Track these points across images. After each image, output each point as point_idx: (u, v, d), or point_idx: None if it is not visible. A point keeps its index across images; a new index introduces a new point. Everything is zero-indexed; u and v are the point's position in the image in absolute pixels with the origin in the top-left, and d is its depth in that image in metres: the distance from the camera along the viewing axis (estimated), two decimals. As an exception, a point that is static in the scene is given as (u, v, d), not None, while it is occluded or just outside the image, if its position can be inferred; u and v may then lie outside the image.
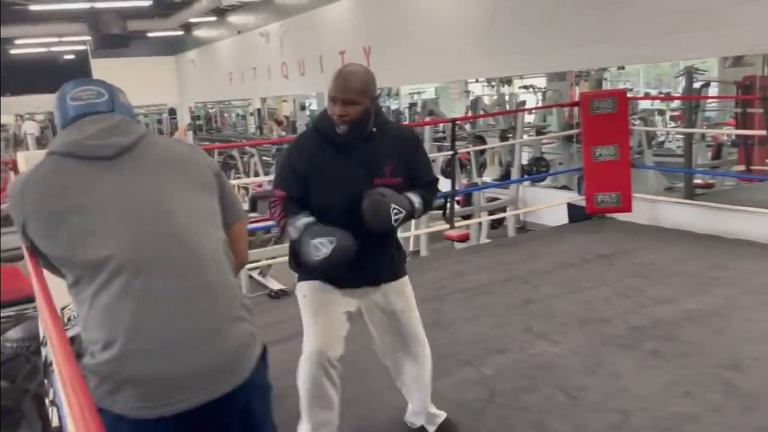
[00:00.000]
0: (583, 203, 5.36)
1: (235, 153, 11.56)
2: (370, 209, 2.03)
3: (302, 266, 2.15)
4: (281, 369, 2.86)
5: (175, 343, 1.30)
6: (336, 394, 2.19)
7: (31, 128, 17.74)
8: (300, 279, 2.23)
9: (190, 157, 1.49)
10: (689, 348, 3.00)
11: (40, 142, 17.13)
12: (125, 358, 1.27)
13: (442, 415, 2.43)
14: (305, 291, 2.20)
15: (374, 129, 2.10)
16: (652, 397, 2.60)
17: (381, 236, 2.14)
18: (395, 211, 2.05)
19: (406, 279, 2.31)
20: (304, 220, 2.06)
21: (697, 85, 7.01)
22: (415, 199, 2.14)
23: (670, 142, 9.97)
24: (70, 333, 3.29)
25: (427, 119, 8.59)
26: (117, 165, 1.37)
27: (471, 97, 11.34)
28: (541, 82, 11.57)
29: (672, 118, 10.99)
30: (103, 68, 20.06)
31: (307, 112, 17.13)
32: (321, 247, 1.98)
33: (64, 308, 3.14)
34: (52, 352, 1.02)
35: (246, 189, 8.98)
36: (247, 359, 1.40)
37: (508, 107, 10.02)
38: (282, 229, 2.14)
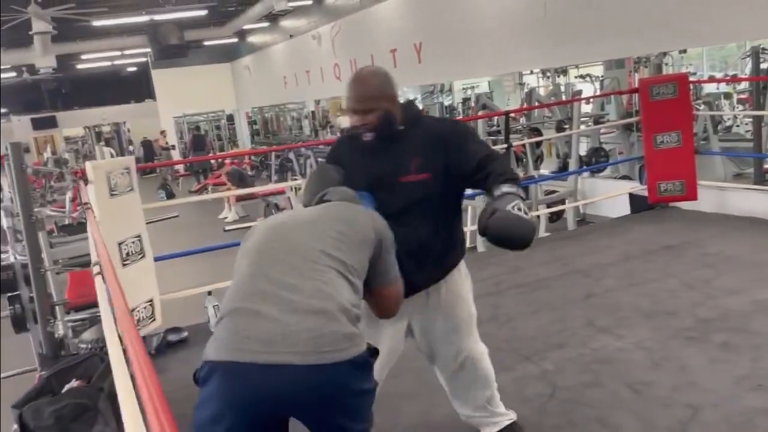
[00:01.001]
0: (645, 193, 5.20)
1: (291, 155, 11.76)
2: (502, 236, 1.83)
3: None
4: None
5: (270, 306, 1.49)
6: None
7: (107, 154, 18.37)
8: None
9: (360, 220, 1.78)
10: (762, 340, 2.88)
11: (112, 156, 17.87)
12: (229, 312, 1.52)
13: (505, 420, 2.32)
14: None
15: (401, 127, 2.02)
16: (722, 391, 2.50)
17: (419, 240, 1.99)
18: (513, 206, 1.80)
19: (452, 277, 2.14)
20: None
21: (764, 65, 6.69)
22: (503, 188, 1.86)
23: (738, 126, 9.53)
24: (140, 333, 3.43)
25: (480, 113, 8.51)
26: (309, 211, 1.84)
27: (525, 89, 11.16)
28: (598, 70, 11.26)
29: (740, 101, 10.50)
30: (163, 78, 20.82)
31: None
32: None
33: (133, 309, 3.28)
34: (128, 347, 1.08)
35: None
36: (337, 348, 1.44)
37: (564, 98, 9.81)
38: None
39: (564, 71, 11.30)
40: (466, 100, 13.15)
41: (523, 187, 6.59)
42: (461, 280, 2.19)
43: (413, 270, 1.97)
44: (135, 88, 24.63)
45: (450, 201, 2.09)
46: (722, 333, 2.99)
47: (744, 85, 9.45)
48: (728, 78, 11.26)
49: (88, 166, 3.19)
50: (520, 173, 7.28)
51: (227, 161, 12.04)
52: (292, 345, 1.41)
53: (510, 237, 1.83)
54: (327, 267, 1.58)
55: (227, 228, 7.41)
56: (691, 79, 6.72)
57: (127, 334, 1.12)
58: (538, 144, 8.06)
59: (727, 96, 10.17)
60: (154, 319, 3.41)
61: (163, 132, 20.89)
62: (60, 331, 3.81)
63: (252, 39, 20.34)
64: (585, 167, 7.64)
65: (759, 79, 6.40)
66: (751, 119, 7.11)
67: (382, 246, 1.76)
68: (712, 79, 11.05)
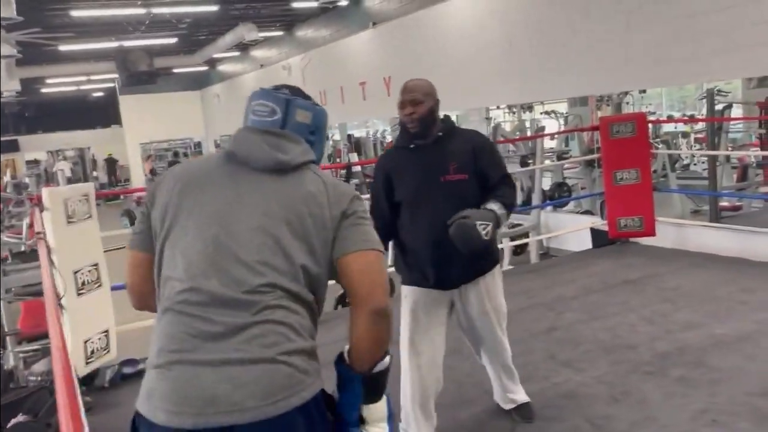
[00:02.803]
0: (606, 228, 5.30)
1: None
2: (457, 236, 2.25)
3: (402, 272, 2.52)
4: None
5: (199, 365, 1.28)
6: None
7: (62, 166, 18.16)
8: (402, 282, 2.55)
9: (317, 197, 1.40)
10: (718, 374, 2.92)
11: (71, 180, 17.50)
12: (165, 365, 1.31)
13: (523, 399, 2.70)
14: (405, 293, 2.53)
15: (440, 133, 2.41)
16: (679, 425, 2.53)
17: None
18: (482, 225, 2.24)
19: (490, 279, 2.50)
20: None
21: (719, 106, 6.94)
22: (495, 205, 2.33)
23: (695, 164, 9.85)
24: (94, 365, 3.32)
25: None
26: (255, 179, 1.41)
27: (492, 124, 11.36)
28: (562, 107, 11.54)
29: (697, 140, 10.87)
30: (131, 104, 20.62)
31: (330, 143, 17.30)
32: None
33: (87, 340, 3.18)
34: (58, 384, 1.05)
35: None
36: (289, 393, 1.29)
37: (528, 133, 10.01)
38: None
39: (530, 107, 11.57)
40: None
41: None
42: (495, 280, 2.54)
43: (449, 263, 2.35)
44: (101, 113, 24.31)
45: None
46: (680, 368, 3.04)
47: (701, 124, 9.77)
48: (685, 118, 11.66)
49: (45, 192, 3.11)
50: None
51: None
52: (239, 402, 1.25)
53: (459, 243, 2.26)
54: (272, 288, 1.33)
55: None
56: (651, 118, 6.93)
57: (59, 374, 1.09)
58: (503, 178, 8.17)
59: (685, 135, 10.52)
60: (108, 351, 3.31)
61: (150, 156, 20.70)
62: (10, 362, 3.68)
63: (222, 67, 20.35)
64: (548, 201, 7.77)
65: (714, 120, 6.63)
66: (707, 158, 7.35)
67: (347, 220, 1.41)
68: (669, 119, 11.43)
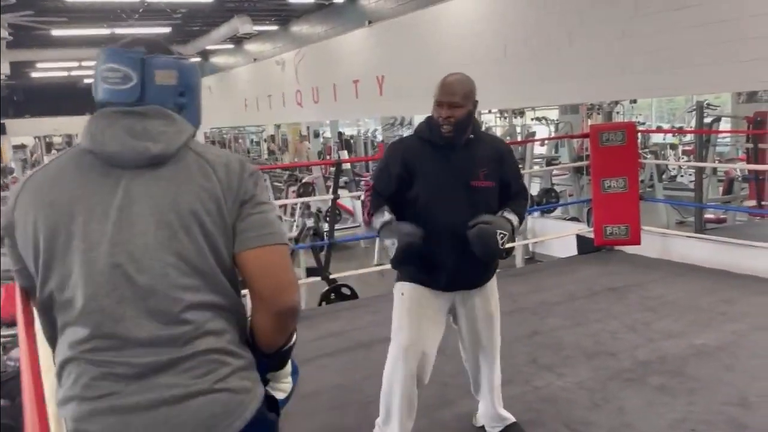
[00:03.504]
0: (591, 235, 5.33)
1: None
2: (477, 240, 2.20)
3: (400, 268, 2.38)
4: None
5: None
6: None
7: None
8: (398, 279, 2.42)
9: (208, 188, 1.21)
10: (696, 384, 2.96)
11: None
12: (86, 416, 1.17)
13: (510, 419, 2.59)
14: (403, 290, 2.39)
15: (471, 136, 2.31)
16: (657, 433, 2.55)
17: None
18: (501, 235, 2.20)
19: (493, 284, 2.48)
20: (380, 219, 2.25)
21: (708, 119, 7.01)
22: (511, 217, 2.30)
23: (682, 176, 9.95)
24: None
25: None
26: (131, 181, 1.18)
27: (482, 128, 11.38)
28: (554, 114, 11.61)
29: (685, 152, 10.98)
30: (121, 93, 20.44)
31: (321, 140, 17.29)
32: (391, 247, 2.20)
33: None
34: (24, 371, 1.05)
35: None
36: (232, 417, 1.20)
37: (519, 138, 10.05)
38: (367, 223, 2.34)
39: (521, 113, 11.62)
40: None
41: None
42: (495, 297, 2.52)
43: (463, 266, 2.28)
44: (91, 100, 23.87)
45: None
46: (659, 376, 3.06)
47: (689, 137, 9.87)
48: (674, 129, 11.77)
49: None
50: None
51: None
52: None
53: (477, 246, 2.21)
54: (194, 311, 1.18)
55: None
56: (640, 128, 6.97)
57: (26, 360, 1.09)
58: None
59: (673, 147, 10.63)
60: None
61: None
62: (-11, 347, 3.64)
63: (215, 60, 20.24)
64: (536, 207, 7.81)
65: (702, 132, 6.69)
66: (693, 170, 7.42)
67: (247, 209, 1.24)
68: (659, 130, 11.52)
